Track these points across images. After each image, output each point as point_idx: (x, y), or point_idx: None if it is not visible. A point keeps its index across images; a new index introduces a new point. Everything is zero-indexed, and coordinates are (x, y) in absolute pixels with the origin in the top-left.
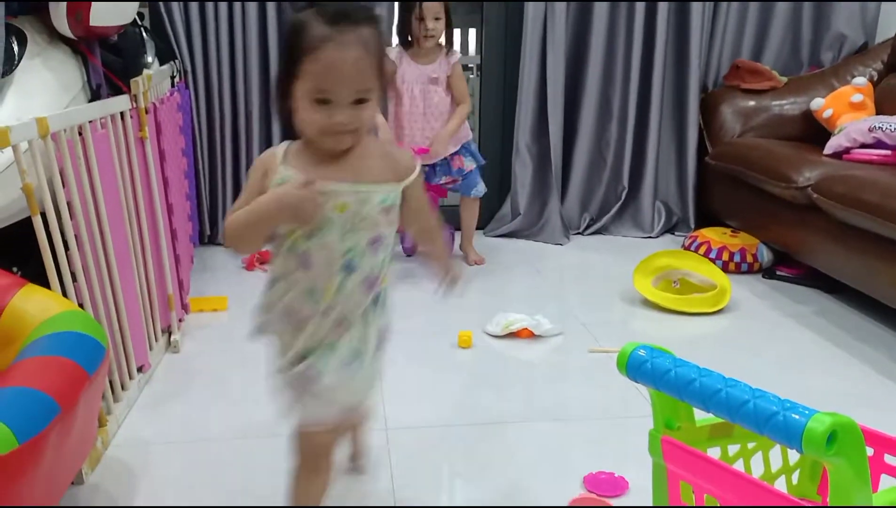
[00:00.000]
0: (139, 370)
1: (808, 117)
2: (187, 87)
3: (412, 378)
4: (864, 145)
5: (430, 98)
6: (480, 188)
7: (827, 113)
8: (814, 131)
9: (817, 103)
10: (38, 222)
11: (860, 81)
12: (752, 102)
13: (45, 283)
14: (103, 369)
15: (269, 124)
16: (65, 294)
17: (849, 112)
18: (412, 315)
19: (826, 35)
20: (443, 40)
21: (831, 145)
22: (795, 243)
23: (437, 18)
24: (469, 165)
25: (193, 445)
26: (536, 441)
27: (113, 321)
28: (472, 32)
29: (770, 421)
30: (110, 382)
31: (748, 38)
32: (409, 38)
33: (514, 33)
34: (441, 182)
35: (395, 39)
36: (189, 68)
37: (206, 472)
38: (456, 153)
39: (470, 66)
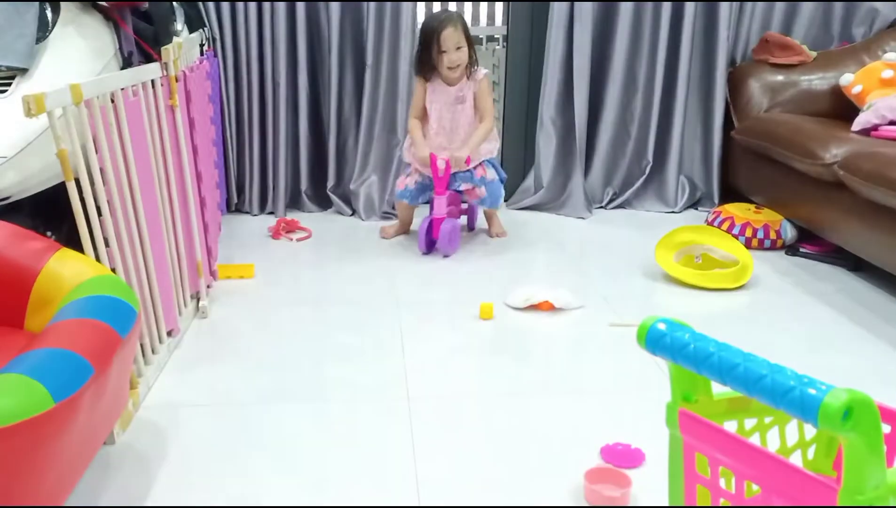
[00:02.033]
0: (169, 334)
1: (837, 93)
2: (216, 55)
3: (434, 349)
4: (893, 122)
5: (457, 117)
6: (499, 201)
7: (856, 89)
8: (842, 107)
9: (847, 79)
10: (72, 188)
11: (891, 56)
12: (780, 77)
13: (77, 247)
14: (135, 332)
15: (296, 93)
16: (98, 259)
17: (879, 88)
18: (434, 287)
19: (858, 10)
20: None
21: (859, 122)
22: (820, 220)
23: (458, 48)
24: (491, 174)
25: (220, 408)
26: (555, 413)
27: (144, 286)
28: (499, 3)
29: (787, 396)
30: (141, 345)
31: (778, 11)
32: (432, 69)
33: (542, 4)
34: (461, 188)
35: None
36: (217, 36)
37: (233, 435)
38: (478, 165)
39: (496, 37)
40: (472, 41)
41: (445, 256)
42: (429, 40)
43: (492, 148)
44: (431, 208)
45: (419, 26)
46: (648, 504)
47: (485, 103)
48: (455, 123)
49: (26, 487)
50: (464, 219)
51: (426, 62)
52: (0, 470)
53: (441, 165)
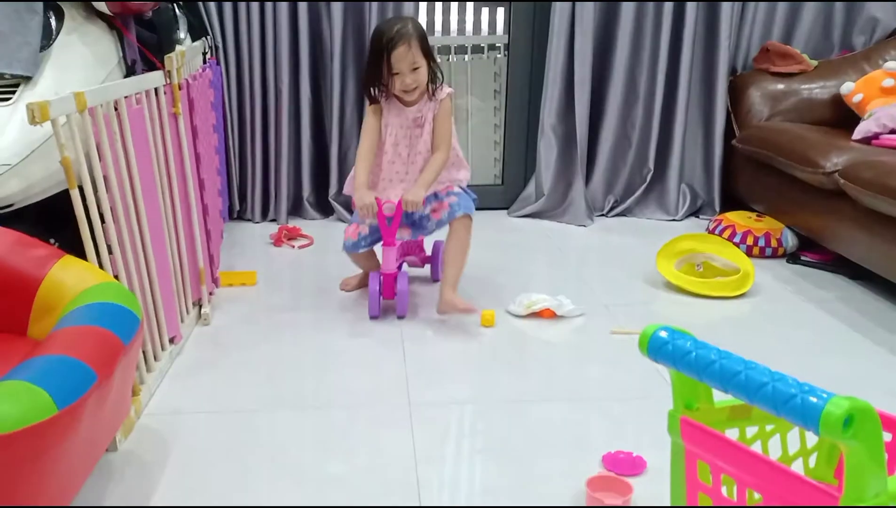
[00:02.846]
0: (171, 341)
1: (838, 102)
2: (218, 63)
3: (435, 356)
4: (893, 131)
5: (416, 143)
6: (470, 205)
7: (857, 97)
8: (843, 116)
9: (847, 87)
10: (75, 195)
11: (892, 65)
12: (781, 86)
13: (80, 254)
14: (138, 339)
15: (298, 100)
16: (101, 266)
17: (879, 97)
18: (435, 294)
19: (858, 18)
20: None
21: (860, 130)
22: (821, 228)
23: (414, 69)
24: (453, 197)
25: (222, 415)
26: (556, 420)
27: (146, 293)
28: (500, 11)
29: (788, 404)
30: (143, 352)
31: (779, 20)
32: (384, 94)
33: (543, 12)
34: (426, 212)
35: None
36: (220, 44)
37: (235, 442)
38: (437, 199)
39: (497, 45)
40: (431, 55)
41: (401, 317)
42: (377, 59)
43: (461, 178)
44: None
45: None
46: None
47: (442, 129)
48: (413, 149)
49: (29, 494)
50: (427, 269)
51: (375, 83)
52: (3, 477)
53: (389, 210)
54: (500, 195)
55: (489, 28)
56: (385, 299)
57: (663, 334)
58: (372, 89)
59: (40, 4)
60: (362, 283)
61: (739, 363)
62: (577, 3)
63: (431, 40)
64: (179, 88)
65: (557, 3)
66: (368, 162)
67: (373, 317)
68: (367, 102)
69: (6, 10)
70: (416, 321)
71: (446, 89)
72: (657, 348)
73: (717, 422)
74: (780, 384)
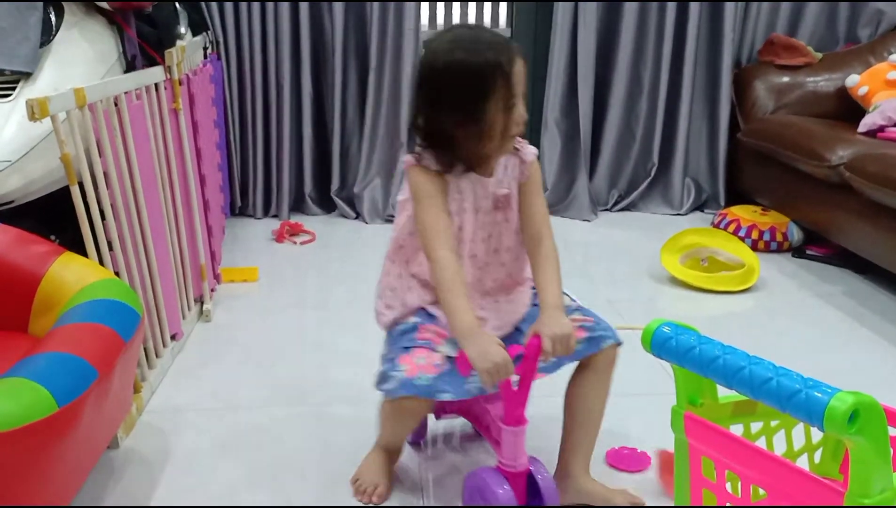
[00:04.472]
0: (172, 338)
1: (843, 94)
2: (219, 58)
3: None
4: None
5: (500, 232)
6: (611, 332)
7: (862, 90)
8: (848, 109)
9: (852, 80)
10: (75, 192)
11: None
12: (786, 79)
13: (81, 251)
14: (138, 336)
15: (300, 96)
16: (101, 263)
17: (884, 89)
18: None
19: (863, 11)
20: None
21: (865, 123)
22: (826, 222)
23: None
24: (587, 316)
25: (224, 412)
26: (559, 416)
27: (147, 290)
28: (503, 6)
29: (792, 399)
30: (144, 349)
31: (783, 12)
32: (472, 150)
33: (545, 6)
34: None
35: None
36: (221, 39)
37: (237, 439)
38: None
39: None
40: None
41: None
42: (478, 91)
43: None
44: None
45: (422, 52)
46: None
47: (541, 204)
48: (498, 242)
49: (30, 491)
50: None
51: (457, 132)
52: (4, 474)
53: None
54: None
55: (492, 23)
56: None
57: (667, 329)
58: (455, 148)
59: (40, 1)
60: (391, 476)
61: (743, 359)
62: None
63: (433, 34)
64: (180, 84)
65: (560, 1)
66: (461, 280)
67: None
68: (410, 170)
69: (6, 7)
70: None
71: (531, 148)
72: (661, 343)
73: (721, 418)
74: (784, 380)
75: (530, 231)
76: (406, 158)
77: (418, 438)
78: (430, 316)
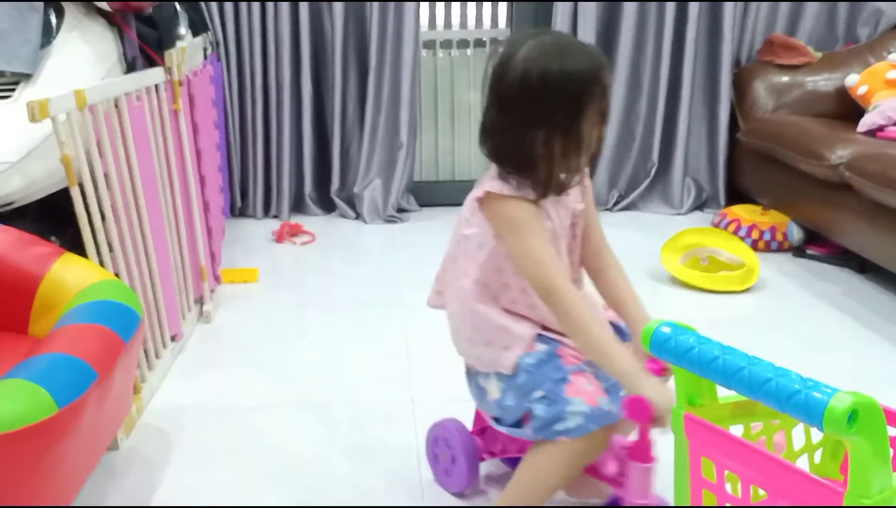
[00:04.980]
0: (172, 339)
1: (843, 94)
2: (219, 59)
3: (439, 352)
4: None
5: (573, 255)
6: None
7: (861, 89)
8: (848, 108)
9: (852, 80)
10: (75, 193)
11: None
12: (785, 78)
13: (81, 252)
14: (138, 337)
15: (300, 96)
16: (101, 264)
17: (884, 89)
18: None
19: (862, 10)
20: None
21: (865, 123)
22: (826, 221)
23: None
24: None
25: (224, 413)
26: None
27: (147, 291)
28: (503, 5)
29: (791, 399)
30: (145, 350)
31: (783, 12)
32: (569, 168)
33: (545, 5)
34: None
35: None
36: (221, 40)
37: (237, 439)
38: None
39: (500, 39)
40: None
41: None
42: (574, 104)
43: None
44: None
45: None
46: None
47: (597, 223)
48: (573, 263)
49: (30, 493)
50: None
51: (555, 150)
52: (4, 476)
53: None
54: None
55: (491, 22)
56: None
57: (666, 329)
58: (551, 168)
59: (40, 2)
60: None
61: (742, 359)
62: None
63: (432, 34)
64: (180, 85)
65: (560, 1)
66: (602, 316)
67: None
68: (499, 202)
69: (6, 8)
70: (418, 319)
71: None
72: (660, 343)
73: (721, 418)
74: (783, 380)
75: (594, 243)
76: (487, 188)
77: (468, 484)
78: (550, 339)
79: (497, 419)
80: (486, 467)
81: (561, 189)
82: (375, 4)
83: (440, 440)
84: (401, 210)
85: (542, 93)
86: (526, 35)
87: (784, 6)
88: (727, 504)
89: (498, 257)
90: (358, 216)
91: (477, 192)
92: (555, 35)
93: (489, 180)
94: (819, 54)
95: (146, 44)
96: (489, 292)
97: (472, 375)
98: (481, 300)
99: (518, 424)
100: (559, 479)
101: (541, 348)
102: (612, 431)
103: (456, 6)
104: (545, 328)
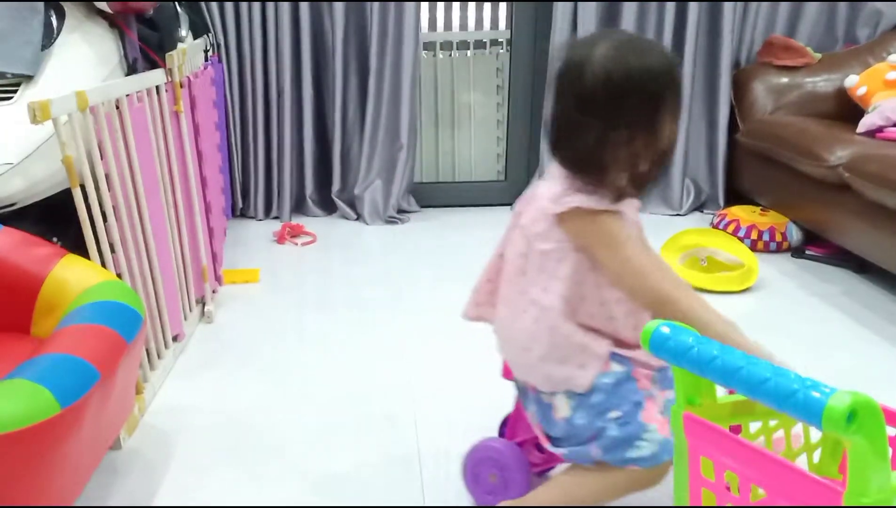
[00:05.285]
0: (174, 339)
1: (842, 95)
2: (220, 60)
3: (439, 353)
4: None
5: None
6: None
7: (861, 90)
8: (847, 109)
9: (851, 80)
10: (77, 194)
11: None
12: (784, 79)
13: (83, 253)
14: (141, 337)
15: (301, 98)
16: (103, 264)
17: (883, 90)
18: (440, 291)
19: (862, 11)
20: None
21: (864, 123)
22: (826, 222)
23: None
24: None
25: (226, 413)
26: None
27: (149, 292)
28: (503, 6)
29: (790, 399)
30: (147, 351)
31: (782, 13)
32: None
33: (545, 6)
34: None
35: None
36: (222, 42)
37: (238, 439)
38: None
39: (500, 40)
40: None
41: None
42: (654, 105)
43: None
44: None
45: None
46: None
47: None
48: None
49: (32, 492)
50: None
51: (640, 151)
52: (7, 475)
53: None
54: (504, 191)
55: (491, 23)
56: None
57: (665, 329)
58: (636, 170)
59: (41, 3)
60: None
61: (741, 359)
62: None
63: (433, 36)
64: (181, 86)
65: (559, 1)
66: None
67: None
68: (591, 216)
69: (7, 10)
70: (419, 320)
71: None
72: (659, 343)
73: (720, 417)
74: (782, 380)
75: None
76: (574, 204)
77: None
78: (624, 358)
79: (554, 440)
80: None
81: (640, 190)
82: (376, 6)
83: (486, 462)
84: (401, 211)
85: (627, 91)
86: (595, 36)
87: (783, 7)
88: (727, 504)
89: (579, 270)
90: (359, 217)
91: (556, 207)
92: (626, 34)
93: (568, 194)
94: (818, 55)
95: (147, 45)
96: (570, 306)
97: (532, 393)
98: (565, 316)
99: (579, 444)
100: (608, 503)
101: (617, 368)
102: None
103: (456, 6)
104: (618, 341)
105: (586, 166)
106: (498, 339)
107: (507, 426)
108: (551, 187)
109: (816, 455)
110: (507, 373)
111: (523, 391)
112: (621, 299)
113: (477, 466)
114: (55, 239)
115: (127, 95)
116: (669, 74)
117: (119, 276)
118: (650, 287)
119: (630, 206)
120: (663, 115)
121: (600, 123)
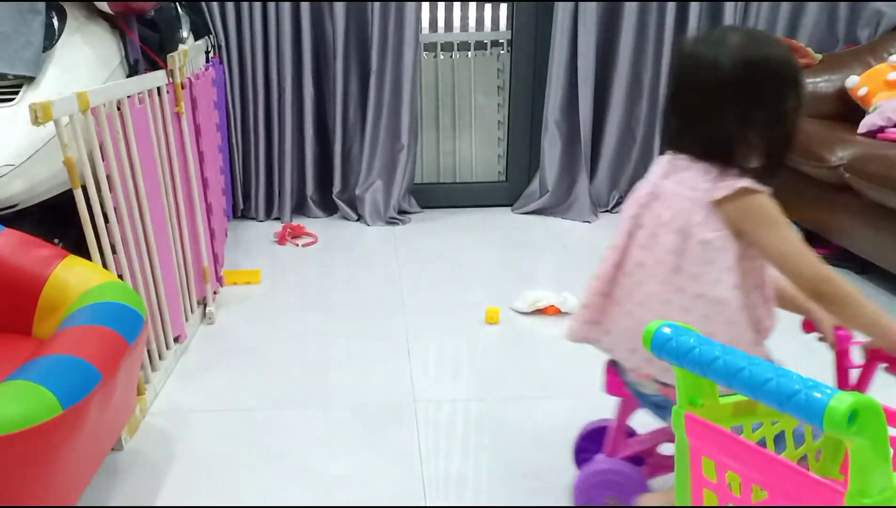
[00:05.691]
0: (175, 340)
1: (843, 95)
2: (221, 62)
3: (440, 353)
4: None
5: None
6: None
7: (862, 91)
8: (848, 110)
9: (852, 81)
10: (79, 195)
11: None
12: None
13: (84, 254)
14: (142, 338)
15: (301, 99)
16: (105, 266)
17: (884, 90)
18: (440, 292)
19: (863, 12)
20: None
21: (865, 124)
22: (826, 222)
23: None
24: None
25: (227, 414)
26: (561, 417)
27: (151, 293)
28: (503, 7)
29: (792, 399)
30: (148, 352)
31: (783, 14)
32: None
33: (545, 8)
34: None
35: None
36: (223, 43)
37: (240, 441)
38: None
39: (501, 41)
40: None
41: None
42: (785, 92)
43: None
44: None
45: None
46: None
47: None
48: None
49: (34, 493)
50: None
51: (776, 132)
52: (9, 476)
53: None
54: (504, 192)
55: (492, 24)
56: None
57: (667, 330)
58: (775, 153)
59: (43, 5)
60: None
61: (743, 359)
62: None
63: (434, 37)
64: (182, 87)
65: (560, 1)
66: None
67: None
68: (756, 197)
69: (9, 11)
70: (420, 319)
71: None
72: (661, 344)
73: (721, 418)
74: (783, 380)
75: None
76: (739, 185)
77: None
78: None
79: None
80: None
81: (773, 174)
82: (376, 6)
83: (608, 485)
84: (402, 212)
85: (764, 76)
86: (720, 31)
87: (784, 7)
88: (728, 504)
89: (742, 258)
90: (359, 218)
91: (718, 192)
92: (745, 28)
93: (724, 179)
94: (819, 56)
95: (148, 47)
96: (743, 298)
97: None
98: (740, 309)
99: None
100: None
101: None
102: None
103: (456, 6)
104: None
105: (726, 151)
106: (621, 351)
107: (610, 443)
108: (691, 178)
109: (818, 456)
110: (613, 388)
111: (661, 403)
112: (767, 284)
113: (593, 489)
114: (56, 240)
115: (128, 97)
116: (794, 62)
117: (120, 277)
118: (815, 268)
119: None
120: (793, 99)
121: (739, 107)
